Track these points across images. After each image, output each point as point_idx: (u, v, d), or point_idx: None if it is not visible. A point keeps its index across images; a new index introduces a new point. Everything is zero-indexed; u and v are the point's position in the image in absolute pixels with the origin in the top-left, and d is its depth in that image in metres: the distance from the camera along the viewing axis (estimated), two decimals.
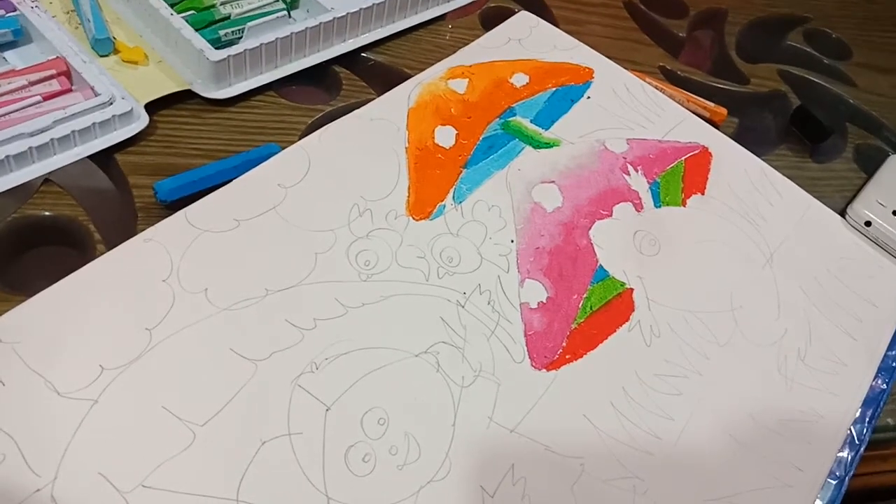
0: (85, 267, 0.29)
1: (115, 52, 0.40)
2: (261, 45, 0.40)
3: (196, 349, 0.28)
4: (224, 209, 0.33)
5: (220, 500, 0.25)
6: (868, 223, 0.42)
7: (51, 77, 0.36)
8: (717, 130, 0.46)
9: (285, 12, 0.43)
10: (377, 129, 0.38)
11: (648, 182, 0.40)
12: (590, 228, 0.37)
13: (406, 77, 0.44)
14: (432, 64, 0.44)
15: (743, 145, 0.45)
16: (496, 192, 0.37)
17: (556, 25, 0.49)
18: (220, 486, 0.25)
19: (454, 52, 0.45)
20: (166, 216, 0.33)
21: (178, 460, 0.25)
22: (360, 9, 0.44)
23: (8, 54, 0.38)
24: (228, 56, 0.39)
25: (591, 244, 0.36)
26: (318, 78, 0.44)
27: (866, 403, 0.34)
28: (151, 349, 0.27)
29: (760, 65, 0.56)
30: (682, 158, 0.42)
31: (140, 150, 0.37)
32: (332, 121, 0.39)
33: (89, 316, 0.28)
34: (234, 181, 0.34)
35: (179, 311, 0.29)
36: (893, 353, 0.36)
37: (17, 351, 0.26)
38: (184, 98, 0.39)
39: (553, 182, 0.38)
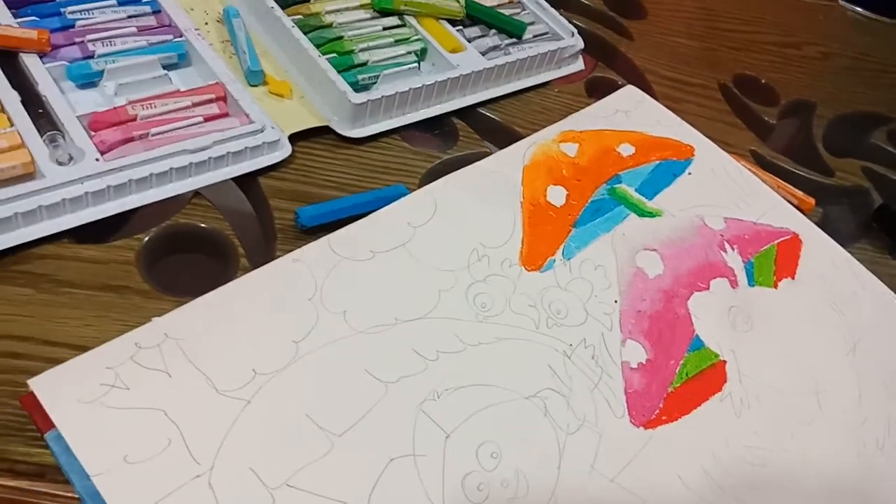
0: (242, 277, 0.32)
1: (264, 83, 0.43)
2: (395, 93, 0.43)
3: (336, 365, 0.31)
4: (362, 240, 0.36)
5: None
6: None
7: (211, 101, 0.40)
8: (806, 218, 0.48)
9: (416, 64, 0.47)
10: (496, 181, 0.41)
11: (743, 261, 0.42)
12: (688, 298, 0.39)
13: (515, 134, 0.47)
14: (540, 124, 0.47)
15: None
16: (602, 253, 0.40)
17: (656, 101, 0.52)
18: (354, 494, 0.27)
19: (560, 115, 0.48)
20: (302, 239, 0.37)
21: (318, 465, 0.28)
22: (483, 68, 0.47)
23: (172, 75, 0.42)
24: (368, 100, 0.42)
25: (689, 314, 0.38)
26: (438, 127, 0.47)
27: None
28: (298, 360, 0.30)
29: (845, 159, 0.58)
30: (775, 242, 0.44)
31: (280, 176, 0.40)
32: (448, 168, 0.42)
33: (245, 323, 0.31)
34: (369, 216, 0.37)
35: (322, 328, 0.31)
36: None
37: (183, 347, 0.29)
38: (319, 132, 0.43)
39: (655, 250, 0.41)
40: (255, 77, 0.43)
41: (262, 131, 0.40)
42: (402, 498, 0.28)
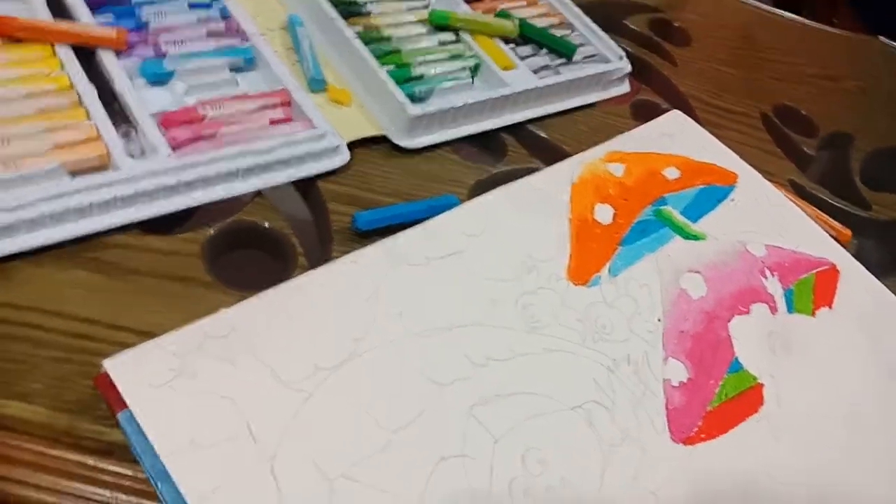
0: (302, 276, 0.34)
1: (325, 91, 0.45)
2: (450, 106, 0.45)
3: (392, 364, 0.32)
4: (417, 246, 0.37)
5: (407, 501, 0.28)
6: None
7: (276, 105, 0.42)
8: (841, 248, 0.49)
9: (470, 80, 0.48)
10: (544, 197, 0.42)
11: (783, 288, 0.43)
12: (729, 321, 0.40)
13: (562, 152, 0.48)
14: (586, 144, 0.48)
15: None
16: (647, 272, 0.40)
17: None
18: (407, 488, 0.29)
19: (606, 136, 0.49)
20: (357, 242, 0.38)
21: (375, 459, 0.29)
22: (534, 87, 0.49)
23: (239, 78, 0.44)
24: (424, 112, 0.43)
25: (730, 336, 0.39)
26: (487, 142, 0.48)
27: None
28: (357, 357, 0.31)
29: (882, 193, 0.58)
30: (814, 271, 0.45)
31: (338, 181, 0.42)
32: (497, 182, 0.43)
33: (306, 319, 0.32)
34: (424, 223, 0.38)
35: (379, 327, 0.33)
36: None
37: (247, 340, 0.31)
38: (375, 141, 0.44)
39: (699, 272, 0.41)
40: (317, 84, 0.45)
41: (324, 137, 0.41)
42: (452, 496, 0.29)
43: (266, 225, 0.38)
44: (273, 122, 0.41)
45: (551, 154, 0.49)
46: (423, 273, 0.36)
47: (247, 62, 0.44)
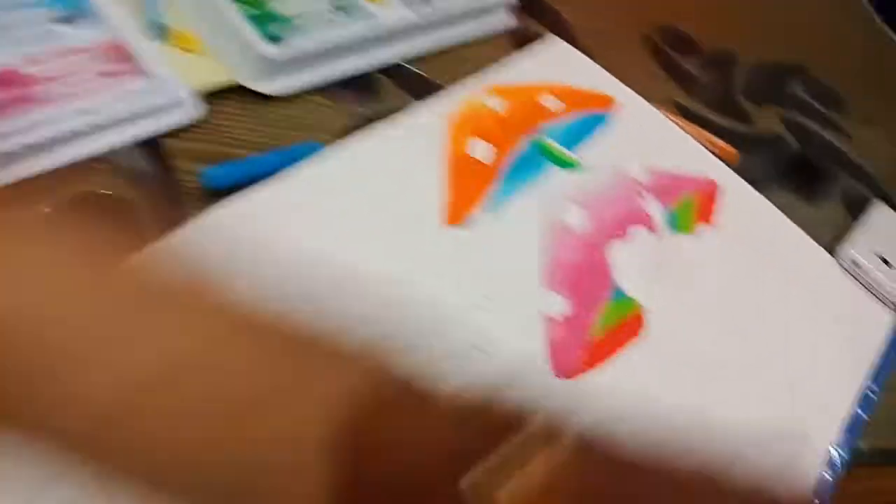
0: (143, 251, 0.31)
1: (169, 38, 0.41)
2: (312, 45, 0.41)
3: None
4: (275, 201, 0.34)
5: None
6: (855, 263, 0.45)
7: (110, 57, 0.38)
8: (725, 166, 0.49)
9: (336, 16, 0.45)
10: (416, 136, 0.40)
11: (663, 209, 0.43)
12: (609, 248, 0.39)
13: (441, 89, 0.46)
14: (467, 80, 0.46)
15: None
16: (526, 206, 0.39)
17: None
18: None
19: (488, 70, 0.48)
20: (213, 202, 0.35)
21: None
22: (406, 22, 0.46)
23: (66, 30, 0.39)
24: (281, 53, 0.40)
25: (610, 264, 0.39)
26: (361, 83, 0.46)
27: (847, 430, 0.37)
28: None
29: (764, 108, 0.59)
30: (695, 190, 0.45)
31: (189, 137, 0.38)
32: (368, 123, 0.41)
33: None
34: (280, 175, 0.36)
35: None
36: (872, 384, 0.40)
37: None
38: (232, 89, 0.41)
39: (577, 202, 0.41)
40: (158, 30, 0.41)
41: (166, 89, 0.37)
42: None
43: (105, 193, 0.35)
44: (105, 76, 0.37)
45: (429, 92, 0.46)
46: (282, 231, 0.34)
47: (74, 11, 0.39)
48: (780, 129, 0.58)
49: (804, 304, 0.42)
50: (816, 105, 0.62)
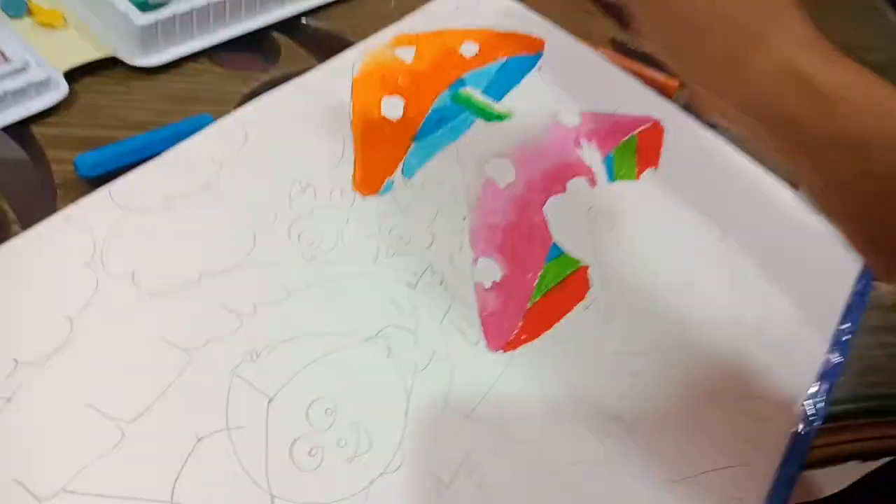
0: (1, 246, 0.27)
1: (29, 13, 0.36)
2: (192, 8, 0.37)
3: (122, 339, 0.26)
4: (152, 185, 0.30)
5: (153, 502, 0.23)
6: None
7: None
8: (668, 103, 0.45)
9: None
10: (319, 99, 0.36)
11: (602, 156, 0.39)
12: (543, 204, 0.36)
13: (348, 44, 0.42)
14: (377, 31, 0.42)
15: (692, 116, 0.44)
16: (447, 166, 0.35)
17: None
18: (153, 487, 0.23)
19: (400, 19, 0.43)
20: (89, 193, 0.31)
21: (106, 461, 0.23)
22: None
23: None
24: (157, 20, 0.35)
25: (545, 221, 0.35)
26: (256, 45, 0.41)
27: (821, 378, 0.34)
28: (73, 340, 0.25)
29: None
30: (636, 132, 0.41)
31: (59, 122, 0.34)
32: (270, 90, 0.36)
33: (2, 304, 0.25)
34: (163, 154, 0.31)
35: (104, 297, 0.26)
36: (845, 326, 0.36)
37: None
38: (107, 65, 0.36)
39: (505, 156, 0.37)
40: (14, 7, 0.36)
41: (25, 70, 0.33)
42: (215, 481, 0.24)
43: None
44: None
45: (335, 48, 0.42)
46: (162, 218, 0.29)
47: None
48: None
49: (765, 244, 0.39)
50: None
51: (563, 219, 0.35)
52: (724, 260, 0.37)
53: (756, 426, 0.32)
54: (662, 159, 0.40)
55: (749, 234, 0.39)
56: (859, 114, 0.23)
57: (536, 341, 0.31)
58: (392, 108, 0.37)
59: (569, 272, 0.34)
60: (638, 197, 0.38)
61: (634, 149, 0.40)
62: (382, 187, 0.34)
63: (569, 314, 0.33)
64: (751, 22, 0.24)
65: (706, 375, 0.33)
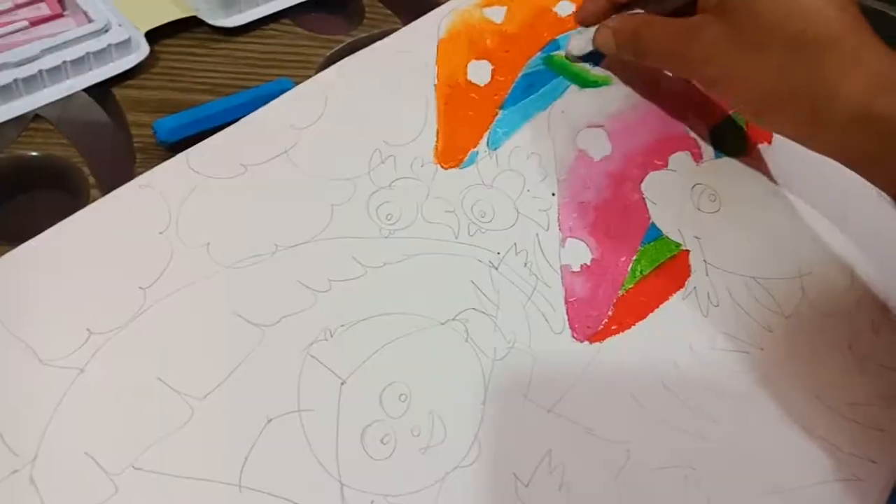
0: (71, 217, 0.26)
1: None
2: None
3: (196, 312, 0.25)
4: (230, 153, 0.29)
5: (220, 484, 0.22)
6: None
7: (39, 0, 0.32)
8: None
9: None
10: (402, 63, 0.34)
11: (709, 128, 0.35)
12: (642, 181, 0.33)
13: (435, 4, 0.39)
14: None
15: None
16: (536, 137, 0.33)
17: None
18: (221, 469, 0.22)
19: None
20: (167, 158, 0.30)
21: (174, 439, 0.22)
22: None
23: None
24: None
25: (644, 199, 0.32)
26: (339, 4, 0.39)
27: None
28: (146, 311, 0.24)
29: None
30: None
31: (140, 84, 0.33)
32: (352, 53, 0.35)
33: (76, 273, 0.25)
34: (241, 121, 0.30)
35: (178, 268, 0.26)
36: None
37: None
38: (188, 26, 0.36)
39: (601, 126, 0.34)
40: None
41: (107, 31, 0.32)
42: (284, 466, 0.23)
43: (44, 154, 0.30)
44: (36, 23, 0.32)
45: (422, 8, 0.39)
46: (238, 186, 0.28)
47: None
48: None
49: (888, 234, 0.34)
50: None
51: (663, 197, 0.32)
52: (842, 250, 0.33)
53: (870, 437, 0.29)
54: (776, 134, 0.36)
55: (872, 222, 0.35)
56: None
57: (627, 332, 0.29)
58: (479, 72, 0.34)
59: (667, 257, 0.31)
60: (748, 175, 0.34)
61: (745, 121, 0.36)
62: (466, 159, 0.32)
63: (665, 304, 0.30)
64: (820, 82, 0.26)
65: (814, 377, 0.30)
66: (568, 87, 0.35)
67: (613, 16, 0.34)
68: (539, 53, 0.36)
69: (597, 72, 0.36)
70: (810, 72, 0.27)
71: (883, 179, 0.27)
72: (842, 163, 0.28)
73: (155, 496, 0.22)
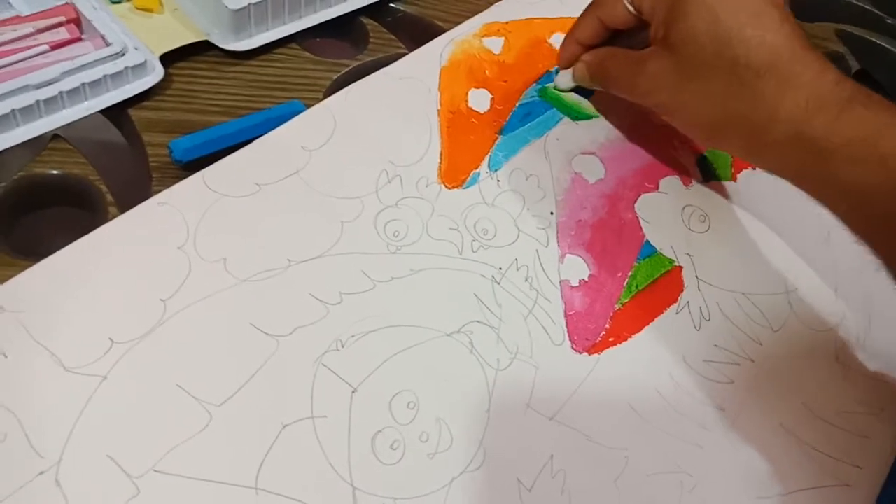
0: (94, 231, 0.27)
1: None
2: None
3: (213, 323, 0.26)
4: (244, 172, 0.30)
5: (237, 487, 0.23)
6: None
7: (59, 24, 0.34)
8: None
9: None
10: (407, 88, 0.36)
11: (696, 155, 0.37)
12: (635, 202, 0.34)
13: (437, 31, 0.41)
14: (465, 17, 0.41)
15: None
16: (534, 160, 0.34)
17: None
18: (238, 472, 0.23)
19: (488, 5, 0.42)
20: (183, 177, 0.31)
21: (193, 443, 0.23)
22: None
23: None
24: (249, 4, 0.36)
25: (637, 218, 0.34)
26: (344, 30, 0.41)
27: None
28: (166, 322, 0.25)
29: (817, 23, 0.52)
30: None
31: (155, 106, 0.35)
32: (358, 76, 0.36)
33: (99, 284, 0.26)
34: (255, 141, 0.32)
35: (196, 281, 0.27)
36: None
37: (22, 321, 0.24)
38: (201, 50, 0.37)
39: (594, 154, 0.35)
40: None
41: (123, 54, 0.34)
42: (299, 469, 0.24)
43: (62, 173, 0.31)
44: (56, 47, 0.33)
45: (423, 35, 0.41)
46: (252, 204, 0.30)
47: None
48: (837, 45, 0.50)
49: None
50: (878, 12, 0.54)
51: (655, 217, 0.34)
52: (827, 266, 0.35)
53: (857, 443, 0.30)
54: None
55: (853, 240, 0.36)
56: (859, 167, 0.26)
57: (624, 344, 0.30)
58: (479, 100, 0.36)
59: (661, 273, 0.32)
60: (735, 197, 0.36)
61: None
62: (468, 179, 0.33)
63: (659, 317, 0.31)
64: (758, 107, 0.27)
65: (803, 387, 0.31)
66: (561, 118, 0.36)
67: (591, 50, 0.35)
68: (535, 84, 0.37)
69: (588, 105, 0.37)
70: (749, 98, 0.27)
71: (813, 193, 0.28)
72: (783, 178, 0.29)
73: (175, 498, 0.22)
